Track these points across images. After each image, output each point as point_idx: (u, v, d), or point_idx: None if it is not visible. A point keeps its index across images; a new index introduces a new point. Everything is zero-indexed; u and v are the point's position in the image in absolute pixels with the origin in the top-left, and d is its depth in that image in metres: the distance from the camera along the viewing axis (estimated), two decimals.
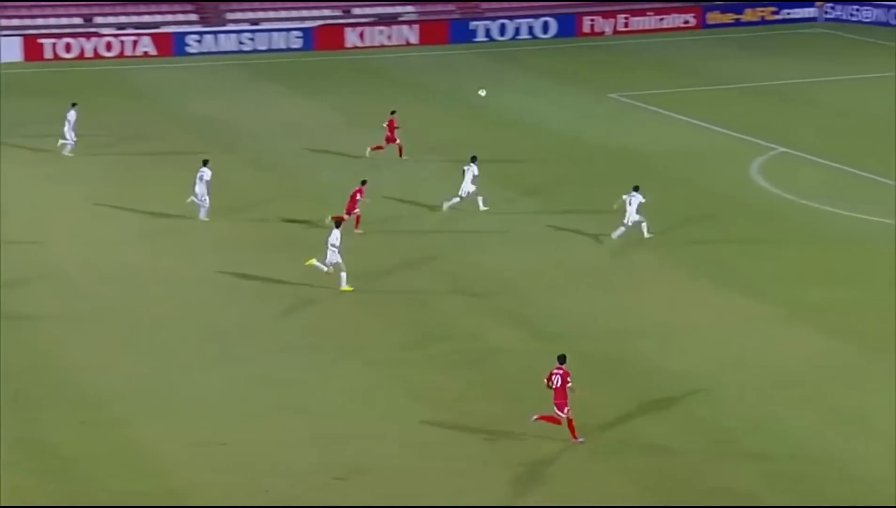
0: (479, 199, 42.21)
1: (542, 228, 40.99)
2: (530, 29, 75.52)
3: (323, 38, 72.73)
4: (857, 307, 34.37)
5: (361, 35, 73.55)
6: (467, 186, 41.97)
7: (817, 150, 49.01)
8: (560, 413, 27.14)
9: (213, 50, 70.57)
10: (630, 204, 39.47)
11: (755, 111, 56.49)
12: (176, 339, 32.20)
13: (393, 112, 48.56)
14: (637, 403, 28.93)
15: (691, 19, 77.38)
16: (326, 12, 75.38)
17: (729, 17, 78.00)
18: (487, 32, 75.08)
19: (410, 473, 25.94)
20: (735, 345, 32.06)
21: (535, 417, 27.35)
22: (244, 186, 45.09)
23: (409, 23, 74.83)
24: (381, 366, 30.92)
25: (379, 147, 47.96)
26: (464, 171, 42.26)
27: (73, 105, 49.43)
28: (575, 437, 27.14)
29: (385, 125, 48.11)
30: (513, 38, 74.99)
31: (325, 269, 35.35)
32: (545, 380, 27.43)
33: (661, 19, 77.08)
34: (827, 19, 77.84)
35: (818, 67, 65.65)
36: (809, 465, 26.24)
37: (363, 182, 40.52)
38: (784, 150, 49.49)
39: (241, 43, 71.37)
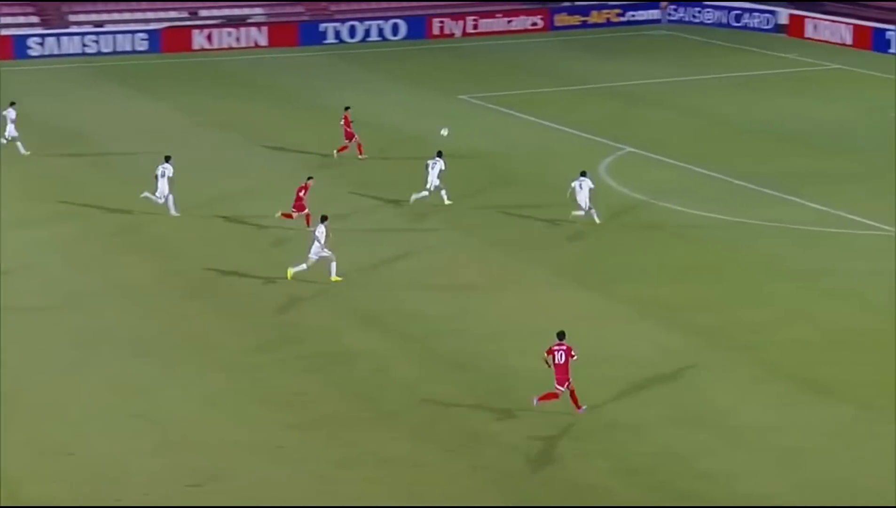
0: (443, 193, 42.77)
1: (397, 228, 41.00)
2: (380, 31, 75.52)
3: (170, 41, 71.90)
4: (705, 303, 34.96)
5: (209, 37, 72.87)
6: (433, 180, 42.58)
7: (663, 149, 49.75)
8: (560, 388, 28.00)
9: (56, 53, 69.32)
10: (581, 188, 40.64)
11: (603, 112, 57.18)
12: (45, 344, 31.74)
13: (347, 108, 49.09)
14: (491, 403, 29.05)
15: (539, 21, 78.06)
16: (173, 14, 74.52)
17: (576, 19, 78.85)
18: (337, 34, 74.90)
19: (264, 478, 25.74)
20: (586, 343, 32.28)
21: (536, 400, 28.08)
22: (87, 186, 44.42)
23: (258, 25, 74.34)
24: (233, 370, 30.65)
25: (344, 147, 48.41)
26: (427, 165, 42.89)
27: (12, 104, 49.04)
28: (578, 407, 28.09)
29: (341, 123, 48.51)
30: (363, 40, 74.91)
31: (305, 267, 35.86)
32: (545, 355, 28.17)
33: (510, 21, 77.64)
34: (670, 21, 79.13)
35: (663, 68, 66.68)
36: (660, 459, 26.58)
37: (309, 178, 40.67)
38: (631, 149, 50.16)
39: (84, 45, 70.22)
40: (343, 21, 75.49)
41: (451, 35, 76.22)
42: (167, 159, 41.68)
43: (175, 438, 27.27)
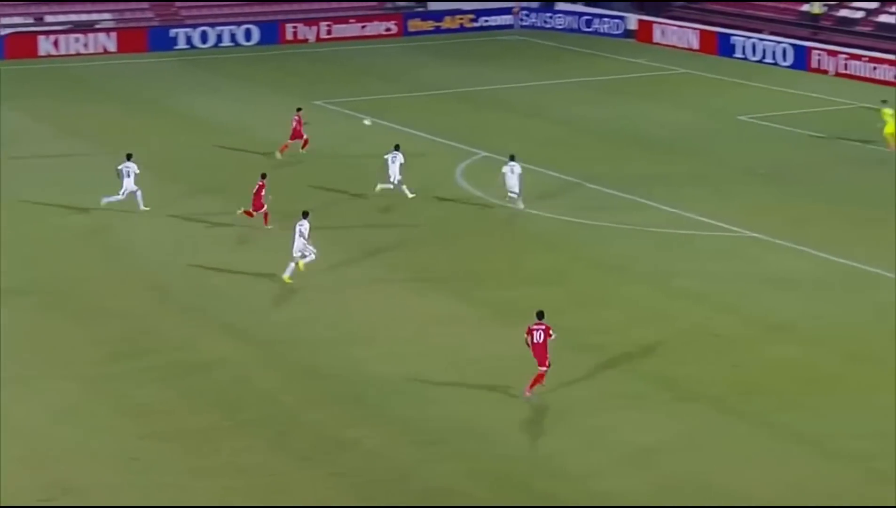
0: (404, 187, 43.72)
1: (248, 233, 40.72)
2: (233, 36, 74.94)
3: (14, 47, 70.57)
4: (559, 305, 35.21)
5: (56, 43, 71.65)
6: (396, 175, 43.58)
7: (518, 153, 50.00)
8: (542, 368, 28.77)
9: None
10: (512, 173, 42.40)
11: (457, 116, 57.42)
12: None
13: (299, 109, 49.89)
14: (349, 409, 28.99)
15: (393, 27, 78.15)
16: (18, 20, 73.10)
17: (429, 25, 79.10)
18: (189, 40, 74.17)
19: (120, 490, 25.35)
20: (442, 347, 32.45)
21: (527, 391, 28.83)
22: None
23: (107, 30, 73.26)
24: (87, 380, 30.15)
25: (286, 145, 49.20)
26: (386, 160, 43.81)
27: None
28: (530, 388, 28.90)
29: (293, 123, 49.15)
30: (215, 46, 74.27)
31: (312, 258, 36.47)
32: (525, 336, 28.90)
33: (364, 27, 77.60)
34: (523, 27, 79.77)
35: (516, 73, 67.18)
36: (516, 461, 26.75)
37: (263, 176, 41.08)
38: (486, 154, 50.43)
39: None
40: (194, 26, 74.77)
41: (305, 40, 75.93)
42: (129, 158, 42.19)
43: (25, 451, 26.72)
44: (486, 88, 63.56)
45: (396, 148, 44.33)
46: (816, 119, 55.26)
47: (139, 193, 42.08)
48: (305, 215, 36.85)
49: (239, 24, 75.40)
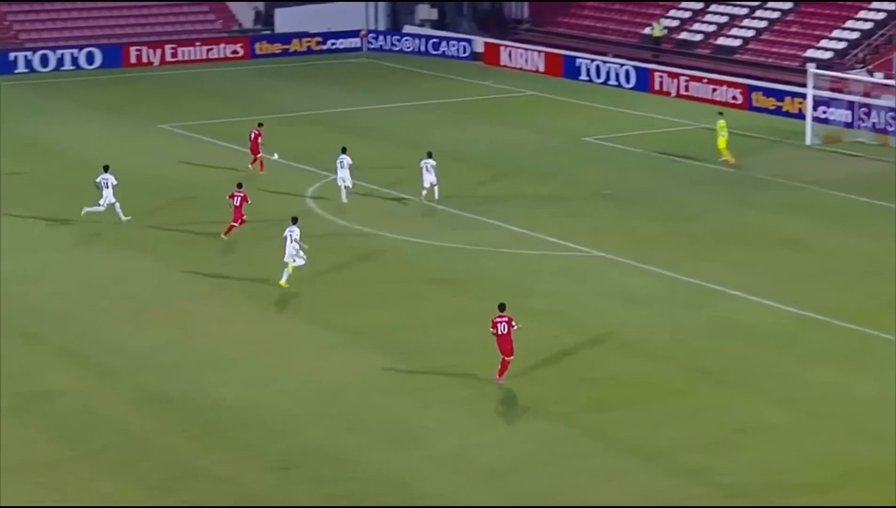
0: (344, 192, 45.98)
1: (82, 258, 40.10)
2: (74, 59, 73.75)
3: None
4: (411, 326, 35.29)
5: None
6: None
7: (366, 175, 50.00)
8: (507, 358, 30.48)
9: None
10: (427, 170, 45.51)
11: (306, 139, 57.18)
12: None
13: (260, 124, 51.16)
14: (199, 436, 28.60)
15: (239, 49, 77.64)
16: None
17: (277, 48, 78.75)
18: (28, 63, 72.86)
19: None
20: (294, 371, 32.24)
21: (498, 379, 30.72)
22: None
23: None
24: None
25: (255, 160, 50.37)
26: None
27: None
28: (500, 376, 30.75)
29: (252, 137, 50.42)
30: (56, 69, 73.05)
31: (302, 264, 37.69)
32: (490, 329, 30.60)
33: (210, 49, 76.96)
34: (371, 49, 79.85)
35: (364, 95, 67.18)
36: (371, 484, 26.65)
37: (239, 185, 42.46)
38: (334, 176, 50.24)
39: None
40: (34, 50, 73.42)
41: (150, 63, 75.03)
42: (106, 169, 43.40)
43: None
44: (335, 110, 63.44)
45: (343, 151, 46.34)
46: (659, 139, 56.16)
47: (117, 204, 43.05)
48: (295, 220, 38.11)
49: (80, 46, 74.24)
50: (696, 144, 54.01)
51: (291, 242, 37.58)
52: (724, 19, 71.71)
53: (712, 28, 71.66)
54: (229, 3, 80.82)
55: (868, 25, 65.94)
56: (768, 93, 62.36)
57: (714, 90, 64.51)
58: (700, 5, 73.47)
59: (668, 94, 66.49)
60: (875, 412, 29.68)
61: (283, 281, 37.67)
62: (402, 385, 31.48)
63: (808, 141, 56.07)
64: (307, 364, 32.60)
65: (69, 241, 42.47)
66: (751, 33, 69.85)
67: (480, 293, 37.89)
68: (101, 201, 43.06)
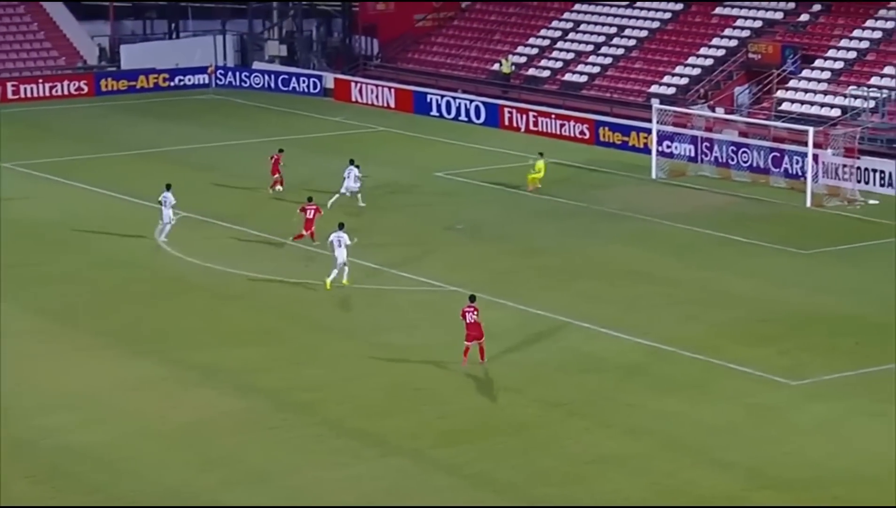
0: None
1: None
2: None
3: None
4: (266, 365, 35.06)
5: None
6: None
7: (215, 212, 49.68)
8: (469, 343, 34.26)
9: None
10: (347, 177, 49.85)
11: (152, 176, 56.47)
12: None
13: (280, 150, 54.26)
14: (47, 481, 28.05)
15: (84, 86, 76.61)
16: None
17: (123, 84, 77.88)
18: None
19: None
20: (143, 413, 31.79)
21: (464, 362, 34.22)
22: None
23: None
24: None
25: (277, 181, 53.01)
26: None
27: None
28: (473, 359, 34.33)
29: (271, 162, 53.19)
30: None
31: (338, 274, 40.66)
32: (461, 318, 34.38)
33: (53, 87, 75.83)
34: (219, 86, 79.38)
35: (212, 132, 66.74)
36: None
37: (309, 199, 46.10)
38: (185, 214, 49.82)
39: None
40: None
41: None
42: (168, 188, 45.81)
43: None
44: (183, 147, 62.90)
45: (352, 162, 50.52)
46: (509, 174, 56.68)
47: (171, 225, 45.50)
48: (342, 226, 41.18)
49: None
50: (545, 179, 54.57)
51: (341, 246, 40.58)
52: (570, 56, 72.76)
53: (559, 64, 72.65)
54: (73, 40, 79.68)
55: (709, 62, 67.44)
56: (614, 128, 63.37)
57: (562, 125, 65.35)
58: (547, 42, 74.47)
59: (517, 129, 67.18)
60: (722, 441, 30.23)
61: (328, 281, 40.84)
62: (255, 424, 31.23)
63: (653, 175, 57.09)
64: (157, 404, 32.18)
65: None
66: (596, 70, 70.97)
67: (333, 331, 37.83)
68: (165, 218, 45.56)
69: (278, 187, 53.23)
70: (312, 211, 45.27)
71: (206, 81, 79.37)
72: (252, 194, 53.74)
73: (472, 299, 35.00)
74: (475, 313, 34.53)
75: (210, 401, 32.51)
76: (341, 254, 40.70)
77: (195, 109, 73.83)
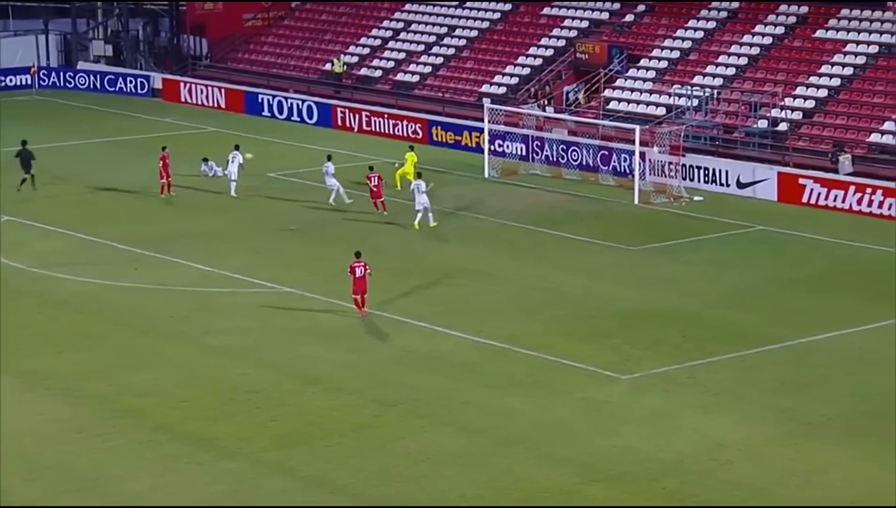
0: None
1: None
2: None
3: None
4: (94, 371, 34.44)
5: None
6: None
7: (42, 216, 48.64)
8: (356, 296, 37.60)
9: None
10: (232, 161, 52.15)
11: None
12: None
13: (164, 148, 53.04)
14: None
15: None
16: None
17: None
18: None
19: None
20: None
21: (363, 314, 37.68)
22: None
23: None
24: None
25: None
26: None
27: None
28: (363, 314, 37.71)
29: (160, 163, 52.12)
30: None
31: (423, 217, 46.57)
32: (349, 271, 37.51)
33: None
34: (42, 87, 77.73)
35: (35, 133, 65.02)
36: None
37: (371, 168, 50.03)
38: (8, 218, 48.73)
39: None
40: None
41: None
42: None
43: None
44: (4, 150, 61.37)
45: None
46: (342, 174, 56.45)
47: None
48: (419, 175, 47.88)
49: None
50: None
51: (420, 193, 46.57)
52: (401, 56, 72.89)
53: (391, 64, 72.72)
54: None
55: (538, 62, 68.13)
56: (447, 127, 63.63)
57: (395, 125, 65.41)
58: (378, 42, 74.49)
59: (350, 129, 67.07)
60: (555, 436, 30.52)
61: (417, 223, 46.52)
62: (84, 431, 30.62)
63: (486, 174, 57.46)
64: None
65: None
66: (428, 69, 71.22)
67: (165, 334, 37.31)
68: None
69: (172, 193, 52.10)
70: (376, 178, 48.72)
71: (29, 82, 77.65)
72: (78, 196, 52.77)
73: (359, 255, 38.01)
74: (364, 268, 37.59)
75: (36, 409, 31.80)
76: (422, 198, 46.73)
77: (17, 111, 72.07)
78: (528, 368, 34.94)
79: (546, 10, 71.24)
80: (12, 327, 37.68)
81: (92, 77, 77.82)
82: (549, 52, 68.37)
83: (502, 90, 67.34)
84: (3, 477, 28.08)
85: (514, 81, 67.69)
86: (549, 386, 33.62)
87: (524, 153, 58.67)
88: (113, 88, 77.01)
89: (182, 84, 74.97)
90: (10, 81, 77.59)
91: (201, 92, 73.88)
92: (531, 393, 33.13)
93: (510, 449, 29.83)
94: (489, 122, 58.50)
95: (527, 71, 67.95)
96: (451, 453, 29.56)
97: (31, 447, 29.68)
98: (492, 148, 58.49)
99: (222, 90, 73.11)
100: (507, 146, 58.89)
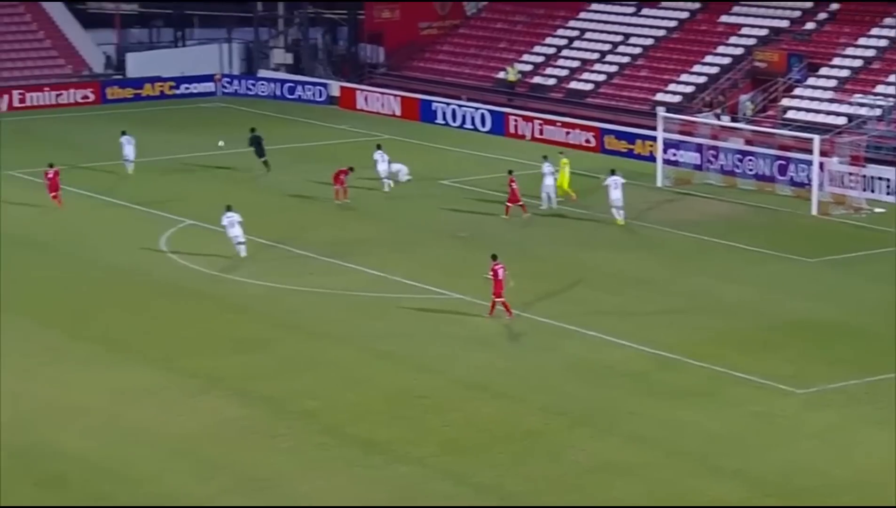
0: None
1: None
2: None
3: None
4: (267, 372, 35.03)
5: None
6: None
7: (216, 220, 49.58)
8: (498, 299, 38.17)
9: None
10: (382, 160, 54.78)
11: (158, 184, 56.61)
12: None
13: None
14: (52, 488, 28.00)
15: (90, 94, 76.66)
16: None
17: (129, 92, 77.93)
18: None
19: None
20: (145, 421, 31.76)
21: (488, 314, 38.47)
22: None
23: None
24: None
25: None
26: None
27: None
28: (510, 313, 38.57)
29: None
30: None
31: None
32: (490, 274, 38.14)
33: (59, 95, 75.89)
34: (225, 94, 79.42)
35: (217, 140, 66.56)
36: None
37: (510, 171, 51.64)
38: (191, 222, 49.85)
39: None
40: None
41: None
42: (229, 209, 45.22)
43: None
44: (188, 155, 62.85)
45: (379, 147, 54.68)
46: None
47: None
48: (613, 171, 49.85)
49: None
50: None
51: (617, 188, 48.75)
52: (576, 64, 72.70)
53: (565, 73, 72.60)
54: (79, 48, 79.78)
55: (714, 70, 67.38)
56: (620, 136, 63.31)
57: (568, 133, 65.30)
58: (552, 50, 74.43)
59: (522, 137, 67.13)
60: (725, 449, 30.13)
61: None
62: (259, 432, 31.17)
63: (658, 183, 57.00)
64: (159, 412, 32.14)
65: None
66: (602, 77, 70.91)
67: (335, 337, 37.79)
68: (234, 241, 44.76)
69: (346, 199, 52.89)
70: (514, 183, 50.09)
71: (212, 90, 79.42)
72: (258, 200, 53.70)
73: (495, 257, 38.67)
74: (504, 270, 38.34)
75: (212, 409, 32.46)
76: (616, 194, 48.90)
77: (201, 117, 73.81)
78: (698, 379, 34.56)
79: (724, 18, 70.40)
80: (191, 328, 38.53)
81: (272, 84, 79.26)
82: (726, 61, 67.54)
83: (677, 98, 66.74)
84: (179, 475, 28.71)
85: (690, 89, 67.02)
86: (720, 398, 33.20)
87: (698, 162, 58.06)
88: (292, 96, 78.32)
89: (358, 92, 75.89)
90: (196, 88, 79.45)
91: (377, 100, 74.69)
92: (701, 405, 32.75)
93: (679, 461, 29.54)
94: (663, 130, 58.02)
95: (702, 79, 67.23)
96: (619, 463, 29.39)
97: (207, 446, 30.30)
98: (665, 157, 58.00)
99: (397, 98, 73.81)
100: (681, 155, 58.34)
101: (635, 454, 29.90)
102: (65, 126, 70.32)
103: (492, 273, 38.31)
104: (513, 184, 50.82)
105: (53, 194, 51.91)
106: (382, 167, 55.12)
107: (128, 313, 39.66)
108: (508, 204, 50.56)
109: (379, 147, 55.87)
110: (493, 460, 29.60)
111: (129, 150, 58.25)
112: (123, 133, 59.21)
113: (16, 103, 74.43)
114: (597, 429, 31.32)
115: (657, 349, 36.51)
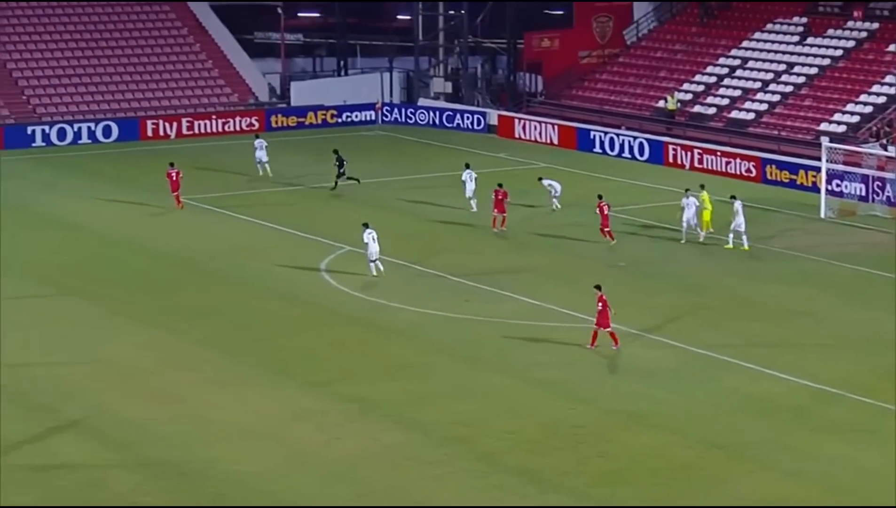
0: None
1: (82, 329, 40.15)
2: (91, 133, 74.19)
3: None
4: (422, 398, 35.21)
5: None
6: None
7: (383, 247, 50.07)
8: (606, 329, 38.15)
9: None
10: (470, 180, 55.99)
11: (321, 211, 57.38)
12: None
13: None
14: None
15: (255, 122, 78.09)
16: None
17: (292, 120, 79.24)
18: (46, 137, 73.27)
19: None
20: (304, 444, 32.14)
21: (591, 345, 38.30)
22: None
23: None
24: None
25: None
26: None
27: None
28: (617, 343, 38.35)
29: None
30: (73, 143, 73.46)
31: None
32: (599, 303, 37.98)
33: (226, 122, 77.47)
34: (385, 122, 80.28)
35: (378, 167, 67.34)
36: None
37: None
38: (350, 248, 50.40)
39: None
40: (52, 124, 73.88)
41: (166, 136, 75.51)
42: (367, 226, 46.49)
43: None
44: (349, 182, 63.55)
45: (467, 166, 55.60)
46: (672, 212, 56.06)
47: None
48: (734, 197, 49.19)
49: (97, 120, 74.72)
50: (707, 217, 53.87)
51: (739, 214, 49.10)
52: (737, 93, 72.01)
53: (725, 102, 71.94)
54: (245, 77, 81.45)
55: (881, 99, 66.16)
56: (782, 166, 62.48)
57: (728, 163, 64.64)
58: (713, 79, 73.80)
59: (682, 166, 66.63)
60: (886, 487, 29.45)
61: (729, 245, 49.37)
62: (415, 458, 31.34)
63: (822, 214, 56.08)
64: (315, 436, 32.48)
65: (81, 314, 42.52)
66: (764, 107, 70.11)
67: (491, 365, 37.84)
68: (369, 256, 45.97)
69: (504, 227, 53.16)
70: (607, 207, 50.42)
71: (373, 118, 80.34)
72: (416, 228, 54.12)
73: (599, 288, 38.38)
74: (605, 303, 38.09)
75: (369, 434, 32.73)
76: (739, 219, 49.37)
77: (362, 145, 74.62)
78: (861, 415, 33.87)
79: (892, 47, 69.12)
80: (348, 353, 38.93)
81: (431, 113, 79.89)
82: (894, 91, 66.25)
83: (842, 128, 65.65)
84: (339, 499, 28.97)
85: (855, 119, 65.89)
86: (882, 434, 32.47)
87: (864, 194, 56.98)
88: (451, 124, 78.82)
89: (516, 120, 76.09)
90: (357, 116, 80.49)
91: (535, 128, 74.80)
92: (862, 441, 32.09)
93: (838, 498, 28.96)
94: (827, 161, 57.08)
95: (868, 109, 66.05)
96: (775, 498, 28.92)
97: (364, 471, 30.55)
98: (829, 188, 57.04)
99: (555, 127, 73.83)
100: (846, 186, 57.33)
101: (793, 490, 29.41)
102: (230, 153, 71.56)
103: (600, 304, 38.14)
104: (604, 209, 50.61)
105: (175, 193, 55.91)
106: (470, 187, 55.50)
107: (288, 337, 40.19)
108: (605, 228, 50.84)
109: (468, 166, 56.17)
110: (650, 493, 29.34)
111: (260, 153, 63.14)
112: (257, 136, 65.12)
113: (184, 131, 76.15)
114: (754, 464, 30.87)
115: (818, 384, 35.87)
